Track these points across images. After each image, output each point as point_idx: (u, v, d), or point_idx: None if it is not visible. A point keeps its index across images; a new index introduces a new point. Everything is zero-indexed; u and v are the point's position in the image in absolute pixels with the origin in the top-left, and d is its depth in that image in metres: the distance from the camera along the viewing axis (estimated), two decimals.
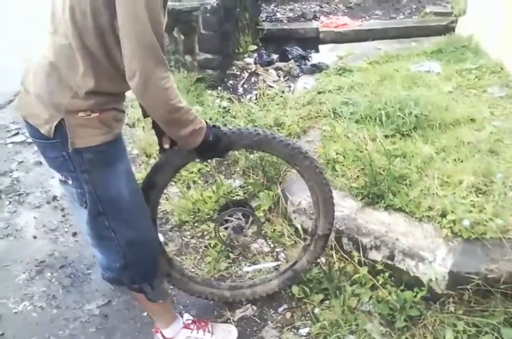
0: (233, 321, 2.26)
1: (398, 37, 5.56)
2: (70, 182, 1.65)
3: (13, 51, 5.45)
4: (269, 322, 2.26)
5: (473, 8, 5.11)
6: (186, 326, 2.13)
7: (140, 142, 3.65)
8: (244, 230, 2.22)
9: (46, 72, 1.55)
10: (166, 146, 1.88)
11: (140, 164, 3.47)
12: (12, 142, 3.95)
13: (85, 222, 1.73)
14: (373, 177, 2.56)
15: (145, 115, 1.85)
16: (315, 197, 2.15)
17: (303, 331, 2.18)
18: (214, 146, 1.79)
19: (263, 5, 6.96)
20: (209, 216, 2.86)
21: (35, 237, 2.91)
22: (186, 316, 2.18)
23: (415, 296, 2.15)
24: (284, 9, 7.22)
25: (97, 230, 1.74)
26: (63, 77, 1.53)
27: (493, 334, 1.94)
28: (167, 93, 1.52)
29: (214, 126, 1.83)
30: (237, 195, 2.99)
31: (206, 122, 1.75)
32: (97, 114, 1.56)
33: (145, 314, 2.32)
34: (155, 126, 1.87)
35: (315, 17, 6.65)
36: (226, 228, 2.22)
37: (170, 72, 1.54)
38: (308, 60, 4.94)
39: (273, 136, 1.98)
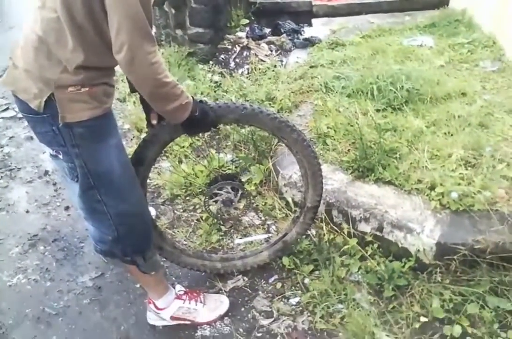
0: (225, 291, 2.30)
1: (392, 11, 5.48)
2: (60, 156, 1.66)
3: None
4: (260, 292, 2.30)
5: None
6: (178, 297, 2.16)
7: (131, 116, 3.64)
8: (233, 203, 2.24)
9: (34, 47, 1.54)
10: (154, 121, 1.89)
11: (131, 139, 3.47)
12: (2, 118, 3.94)
13: (76, 195, 1.74)
14: (364, 151, 2.57)
15: (133, 89, 1.84)
16: (303, 170, 2.17)
17: (293, 300, 2.22)
18: (201, 120, 1.81)
19: None
20: (200, 190, 2.87)
21: (27, 212, 2.93)
22: (178, 287, 2.22)
23: (403, 267, 2.19)
24: None
25: (88, 203, 1.76)
26: (52, 51, 1.53)
27: (478, 303, 1.99)
28: (154, 67, 1.52)
29: (201, 101, 1.84)
30: (229, 169, 3.00)
31: (193, 97, 1.75)
32: (87, 89, 1.56)
33: (137, 285, 2.35)
34: (142, 101, 1.88)
35: None
36: (215, 202, 2.24)
37: (157, 47, 1.54)
38: (301, 34, 4.88)
39: (260, 110, 1.99)
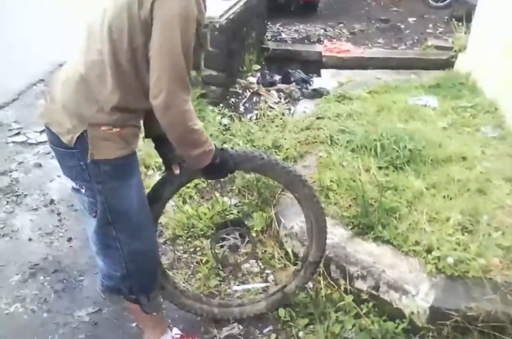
0: (220, 338, 2.33)
1: (399, 68, 5.69)
2: (83, 190, 1.74)
3: (17, 50, 5.53)
4: None
5: (473, 45, 5.25)
6: None
7: (139, 152, 3.70)
8: (239, 250, 2.30)
9: (75, 85, 1.64)
10: (177, 171, 1.97)
11: None
12: (13, 142, 4.01)
13: (92, 230, 1.81)
14: (365, 208, 2.66)
15: (147, 135, 1.97)
16: (309, 225, 2.25)
17: None
18: (220, 167, 1.89)
19: (269, 24, 7.08)
20: (202, 232, 2.93)
21: (30, 240, 2.97)
22: (175, 330, 2.25)
23: (397, 328, 2.23)
24: (289, 29, 7.36)
25: (103, 239, 1.82)
26: (92, 91, 1.63)
27: None
28: (186, 114, 1.64)
29: (222, 148, 1.92)
30: (231, 213, 3.07)
31: (215, 144, 1.84)
32: (118, 129, 1.66)
33: (133, 324, 2.39)
34: (157, 146, 2.00)
35: (319, 40, 6.80)
36: (222, 246, 2.30)
37: (191, 95, 1.65)
38: (310, 84, 5.06)
39: (276, 162, 2.08)
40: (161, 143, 1.99)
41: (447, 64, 5.63)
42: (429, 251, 2.41)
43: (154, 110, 1.61)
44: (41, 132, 4.03)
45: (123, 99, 1.63)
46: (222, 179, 3.20)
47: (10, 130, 4.19)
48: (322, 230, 2.24)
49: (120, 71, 1.61)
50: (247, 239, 2.30)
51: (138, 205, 1.82)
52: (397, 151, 3.26)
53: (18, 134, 4.13)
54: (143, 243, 1.88)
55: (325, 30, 7.44)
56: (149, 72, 1.61)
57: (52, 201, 3.31)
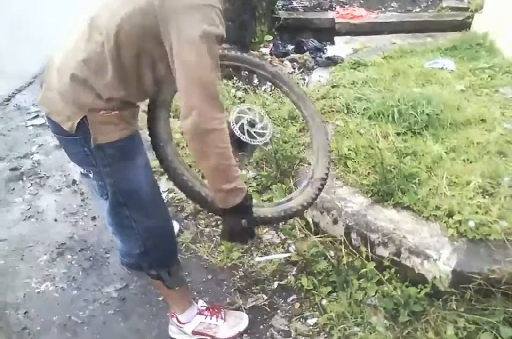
0: (245, 309, 2.38)
1: (414, 31, 5.58)
2: (91, 175, 1.76)
3: (30, 35, 5.53)
4: (278, 311, 2.37)
5: (490, 4, 5.10)
6: (200, 312, 2.25)
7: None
8: (256, 125, 2.23)
9: (71, 72, 1.62)
10: None
11: None
12: (32, 125, 4.07)
13: (106, 212, 1.84)
14: (384, 175, 2.64)
15: None
16: (316, 145, 2.35)
17: (311, 321, 2.30)
18: (245, 213, 1.77)
19: None
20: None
21: (55, 220, 3.03)
22: (201, 302, 2.30)
23: (419, 293, 2.24)
24: None
25: (117, 219, 1.85)
26: (89, 79, 1.62)
27: (492, 332, 2.04)
28: (220, 134, 1.54)
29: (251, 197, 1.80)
30: (251, 186, 3.08)
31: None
32: (117, 112, 1.67)
33: (160, 298, 2.44)
34: None
35: (331, 7, 6.66)
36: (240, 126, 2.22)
37: (225, 114, 1.57)
38: (323, 53, 4.99)
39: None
40: None
41: (464, 25, 5.49)
42: (450, 215, 2.40)
43: (184, 131, 1.54)
44: None
45: (118, 93, 1.64)
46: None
47: (28, 113, 4.25)
48: (326, 148, 2.33)
49: (120, 67, 1.60)
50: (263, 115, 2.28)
51: (148, 184, 1.84)
52: (415, 116, 3.22)
53: (36, 117, 4.18)
54: (157, 220, 1.91)
55: None
56: (152, 74, 1.63)
57: (74, 182, 3.37)
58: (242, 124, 2.19)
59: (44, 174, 3.46)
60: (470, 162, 2.80)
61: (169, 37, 1.49)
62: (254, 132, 2.22)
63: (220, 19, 1.54)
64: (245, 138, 2.18)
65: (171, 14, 1.47)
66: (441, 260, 2.24)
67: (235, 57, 2.38)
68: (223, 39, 1.54)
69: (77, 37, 1.67)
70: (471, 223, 2.30)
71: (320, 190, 2.34)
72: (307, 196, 2.34)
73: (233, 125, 2.14)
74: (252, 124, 2.22)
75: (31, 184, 3.35)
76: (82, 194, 3.25)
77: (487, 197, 2.51)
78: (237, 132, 2.16)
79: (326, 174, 2.32)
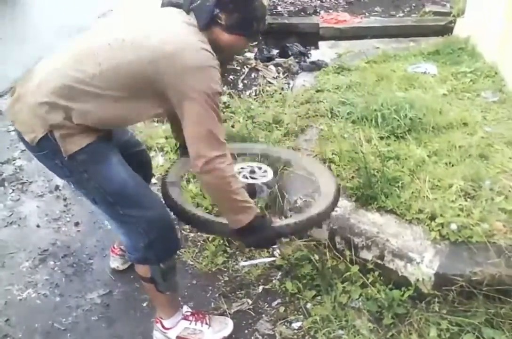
0: (229, 313, 2.37)
1: (397, 36, 5.65)
2: (72, 186, 1.83)
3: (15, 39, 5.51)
4: (263, 315, 2.37)
5: (471, 9, 5.17)
6: (185, 318, 2.23)
7: (140, 134, 3.72)
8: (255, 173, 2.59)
9: (52, 91, 1.66)
10: None
11: None
12: (15, 130, 4.01)
13: (102, 213, 1.89)
14: (367, 179, 2.66)
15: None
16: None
17: (296, 325, 2.29)
18: (259, 234, 1.94)
19: None
20: (208, 211, 2.95)
21: (38, 226, 3.00)
22: (186, 308, 2.29)
23: (403, 295, 2.26)
24: (285, 2, 7.26)
25: (115, 217, 1.89)
26: (65, 103, 1.67)
27: (474, 333, 2.06)
28: (227, 180, 1.76)
29: (262, 216, 2.02)
30: None
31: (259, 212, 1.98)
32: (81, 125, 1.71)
33: (144, 304, 2.43)
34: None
35: (315, 12, 6.71)
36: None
37: (227, 151, 1.77)
38: (308, 57, 5.03)
39: None
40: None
41: (446, 30, 5.56)
42: (432, 218, 2.42)
43: (194, 172, 1.81)
44: None
45: (93, 122, 1.71)
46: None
47: None
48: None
49: (102, 106, 1.70)
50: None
51: (131, 179, 1.87)
52: (398, 120, 3.25)
53: None
54: (154, 210, 1.92)
55: (321, 1, 7.33)
56: (135, 118, 1.82)
57: (57, 187, 3.34)
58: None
59: (27, 180, 3.42)
60: (452, 166, 2.83)
61: (178, 93, 1.67)
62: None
63: (219, 78, 1.74)
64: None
65: (181, 72, 1.65)
66: (424, 263, 2.25)
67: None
68: (221, 94, 1.85)
69: (68, 59, 1.71)
70: (453, 226, 2.32)
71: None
72: None
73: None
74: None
75: (13, 190, 3.32)
76: (65, 199, 3.22)
77: (468, 200, 2.53)
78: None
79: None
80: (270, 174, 2.59)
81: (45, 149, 1.71)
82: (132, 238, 1.94)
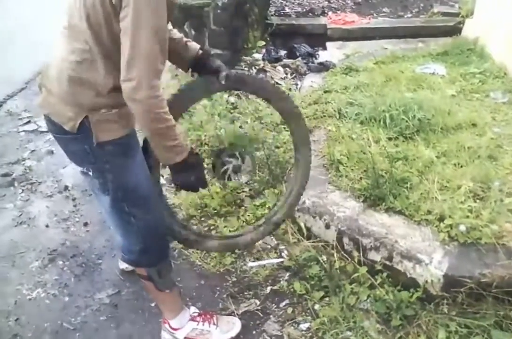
0: (237, 314, 2.37)
1: (405, 37, 5.60)
2: (90, 173, 1.79)
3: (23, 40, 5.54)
4: (271, 316, 2.37)
5: (480, 9, 5.14)
6: (192, 318, 2.24)
7: None
8: (242, 169, 2.58)
9: (68, 74, 1.67)
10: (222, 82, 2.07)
11: None
12: (24, 131, 4.06)
13: (106, 209, 1.88)
14: (375, 180, 2.66)
15: (186, 69, 2.13)
16: (296, 165, 2.49)
17: (304, 326, 2.30)
18: (192, 170, 1.85)
19: None
20: (216, 211, 2.96)
21: (47, 226, 3.02)
22: (193, 309, 2.30)
23: (411, 297, 2.25)
24: (293, 3, 7.23)
25: (118, 215, 1.88)
26: (85, 79, 1.66)
27: (483, 336, 2.06)
28: (156, 100, 1.60)
29: (197, 153, 1.93)
30: (243, 191, 3.09)
31: (192, 147, 1.90)
32: (117, 110, 1.70)
33: (153, 304, 2.44)
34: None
35: (323, 13, 6.69)
36: (224, 172, 2.55)
37: (160, 81, 1.63)
38: (316, 58, 5.00)
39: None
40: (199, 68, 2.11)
41: (455, 31, 5.51)
42: (441, 219, 2.41)
43: (124, 93, 1.59)
44: None
45: (116, 80, 1.64)
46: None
47: (20, 119, 4.24)
48: (306, 167, 2.46)
49: (107, 55, 1.64)
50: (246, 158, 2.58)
51: (146, 180, 1.88)
52: (406, 121, 3.24)
53: (28, 122, 4.17)
54: (154, 216, 1.95)
55: (329, 2, 7.29)
56: None
57: (66, 187, 3.36)
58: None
59: (36, 180, 3.45)
60: (461, 167, 2.82)
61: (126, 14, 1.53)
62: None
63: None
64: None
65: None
66: (432, 264, 2.24)
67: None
68: (173, 4, 1.68)
69: (63, 41, 1.71)
70: (462, 227, 2.31)
71: (270, 233, 2.54)
72: (288, 209, 2.49)
73: None
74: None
75: (23, 190, 3.34)
76: (74, 200, 3.24)
77: (478, 201, 2.52)
78: None
79: (304, 188, 2.47)
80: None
81: (79, 132, 1.69)
82: (129, 240, 1.96)
